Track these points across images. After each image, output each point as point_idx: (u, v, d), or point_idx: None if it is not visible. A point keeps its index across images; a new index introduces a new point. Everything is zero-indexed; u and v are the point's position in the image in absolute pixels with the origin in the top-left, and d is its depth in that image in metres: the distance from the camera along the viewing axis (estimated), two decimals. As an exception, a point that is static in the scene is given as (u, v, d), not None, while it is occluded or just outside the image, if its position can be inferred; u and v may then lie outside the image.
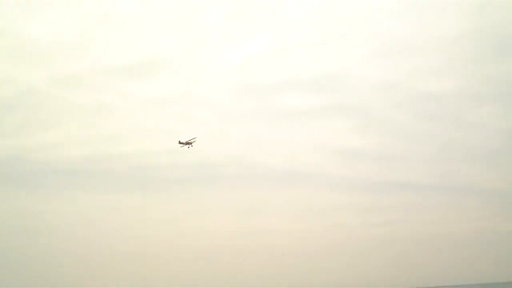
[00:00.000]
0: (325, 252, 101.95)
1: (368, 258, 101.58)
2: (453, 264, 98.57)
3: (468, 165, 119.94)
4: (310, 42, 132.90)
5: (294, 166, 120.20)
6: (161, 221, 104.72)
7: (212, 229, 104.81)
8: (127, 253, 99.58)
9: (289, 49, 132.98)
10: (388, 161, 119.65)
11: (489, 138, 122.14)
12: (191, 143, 66.09)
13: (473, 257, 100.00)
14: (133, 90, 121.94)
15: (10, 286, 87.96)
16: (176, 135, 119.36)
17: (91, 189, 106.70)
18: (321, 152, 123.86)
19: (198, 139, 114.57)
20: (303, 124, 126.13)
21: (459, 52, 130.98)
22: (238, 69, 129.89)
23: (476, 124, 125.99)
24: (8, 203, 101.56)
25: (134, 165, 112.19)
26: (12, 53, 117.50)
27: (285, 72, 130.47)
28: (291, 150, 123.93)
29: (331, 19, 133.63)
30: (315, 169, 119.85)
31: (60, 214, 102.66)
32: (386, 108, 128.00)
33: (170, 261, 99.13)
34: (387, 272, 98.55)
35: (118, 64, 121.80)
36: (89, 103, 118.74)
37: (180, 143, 65.91)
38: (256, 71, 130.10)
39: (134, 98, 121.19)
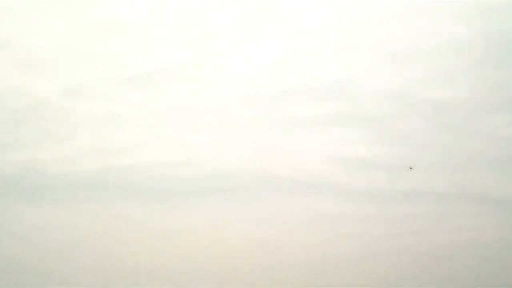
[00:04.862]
0: (340, 262, 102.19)
1: (383, 269, 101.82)
2: (473, 274, 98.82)
3: (479, 173, 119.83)
4: (317, 50, 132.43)
5: (304, 176, 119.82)
6: (176, 234, 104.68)
7: (225, 241, 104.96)
8: (140, 266, 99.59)
9: (296, 57, 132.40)
10: (399, 170, 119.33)
11: (499, 145, 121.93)
12: None
13: (493, 266, 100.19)
14: (142, 100, 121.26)
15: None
16: (187, 145, 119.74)
17: (104, 201, 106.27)
18: (331, 162, 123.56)
19: (207, 149, 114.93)
20: (311, 133, 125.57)
21: (468, 58, 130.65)
22: (245, 78, 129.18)
23: (486, 131, 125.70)
24: (21, 217, 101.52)
25: (147, 176, 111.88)
26: (19, 64, 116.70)
27: (293, 81, 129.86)
28: (301, 159, 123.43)
29: (337, 26, 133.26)
30: (325, 179, 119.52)
31: (74, 227, 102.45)
32: (395, 116, 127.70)
33: (184, 275, 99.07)
34: (404, 282, 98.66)
35: (126, 74, 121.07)
36: (99, 114, 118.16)
37: None
38: (263, 79, 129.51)
39: (143, 109, 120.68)
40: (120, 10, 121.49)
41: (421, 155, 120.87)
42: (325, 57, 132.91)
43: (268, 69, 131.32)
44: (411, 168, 62.92)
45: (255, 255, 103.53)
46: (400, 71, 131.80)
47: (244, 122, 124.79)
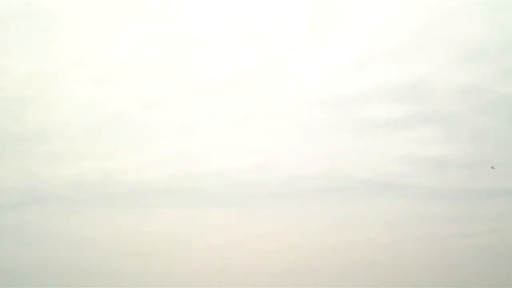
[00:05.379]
0: (420, 263, 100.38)
1: (463, 270, 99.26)
2: None
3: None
4: (388, 51, 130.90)
5: (381, 177, 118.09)
6: (250, 238, 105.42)
7: (302, 244, 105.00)
8: (214, 270, 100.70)
9: (368, 59, 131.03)
10: (477, 168, 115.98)
11: None
12: None
13: None
14: (216, 108, 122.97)
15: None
16: (261, 150, 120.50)
17: (180, 207, 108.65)
18: (406, 162, 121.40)
19: (282, 153, 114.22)
20: (387, 134, 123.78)
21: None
22: (318, 82, 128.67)
23: None
24: (101, 223, 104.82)
25: (221, 182, 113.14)
26: (95, 79, 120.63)
27: (366, 83, 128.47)
28: (375, 161, 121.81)
29: (408, 26, 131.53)
30: (401, 179, 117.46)
31: (151, 232, 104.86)
32: (472, 114, 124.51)
33: (262, 278, 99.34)
34: (483, 282, 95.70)
35: (199, 83, 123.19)
36: (172, 123, 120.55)
37: None
38: (336, 83, 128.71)
39: (217, 116, 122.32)
40: (191, 20, 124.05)
41: (498, 152, 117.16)
42: (398, 57, 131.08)
43: (341, 72, 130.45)
44: (493, 168, 61.28)
45: (332, 257, 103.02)
46: (473, 68, 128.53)
47: (318, 125, 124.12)
